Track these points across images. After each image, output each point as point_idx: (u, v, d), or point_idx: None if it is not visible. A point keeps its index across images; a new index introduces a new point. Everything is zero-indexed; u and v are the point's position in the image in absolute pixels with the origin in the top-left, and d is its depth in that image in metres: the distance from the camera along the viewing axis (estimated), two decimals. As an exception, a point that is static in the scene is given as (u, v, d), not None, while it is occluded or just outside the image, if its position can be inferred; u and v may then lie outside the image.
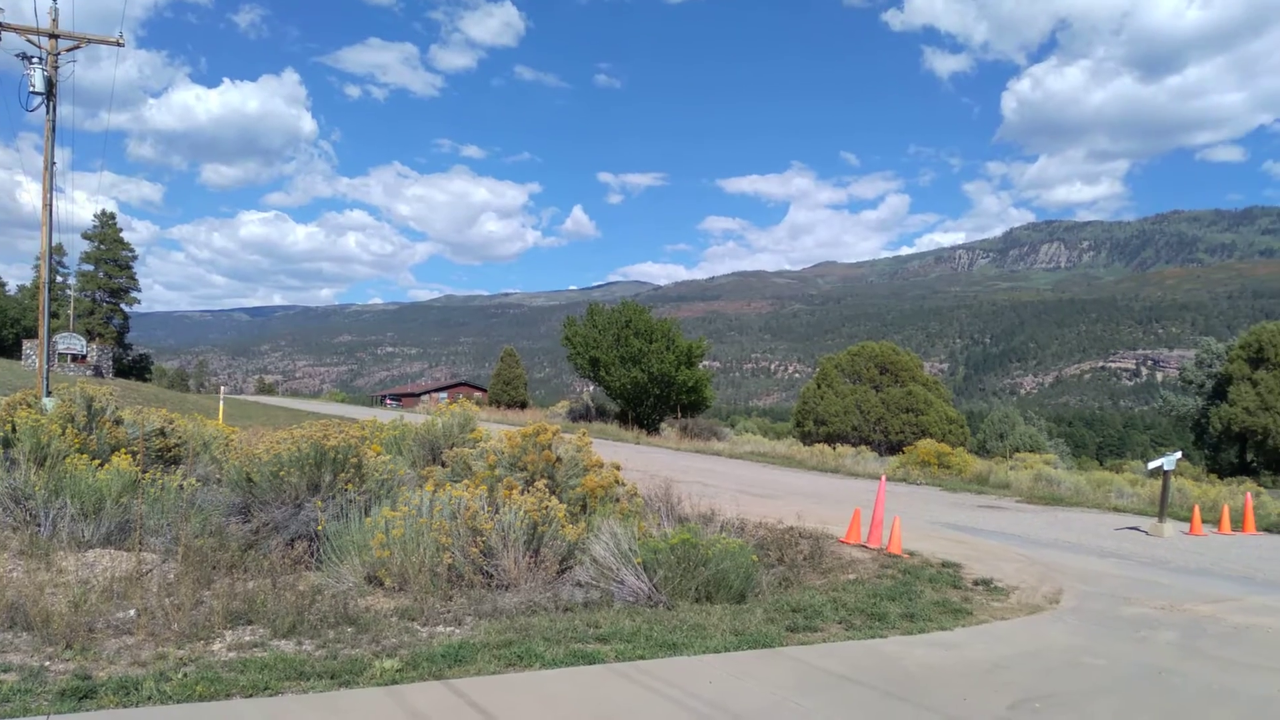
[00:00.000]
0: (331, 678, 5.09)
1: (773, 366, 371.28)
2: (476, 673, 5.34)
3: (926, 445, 26.37)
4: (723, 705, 5.02)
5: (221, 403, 34.60)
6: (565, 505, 8.27)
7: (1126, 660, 6.53)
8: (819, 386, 41.19)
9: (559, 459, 9.32)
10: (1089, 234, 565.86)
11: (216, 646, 5.60)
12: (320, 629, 6.02)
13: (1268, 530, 15.53)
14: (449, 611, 6.65)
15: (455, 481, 8.80)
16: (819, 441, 34.54)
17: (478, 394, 79.50)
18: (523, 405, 65.41)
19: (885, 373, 39.90)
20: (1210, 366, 40.32)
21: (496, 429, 13.23)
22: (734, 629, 6.57)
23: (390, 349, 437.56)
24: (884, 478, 13.67)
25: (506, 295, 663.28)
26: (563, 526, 7.88)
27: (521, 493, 8.10)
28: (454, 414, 13.27)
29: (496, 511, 7.86)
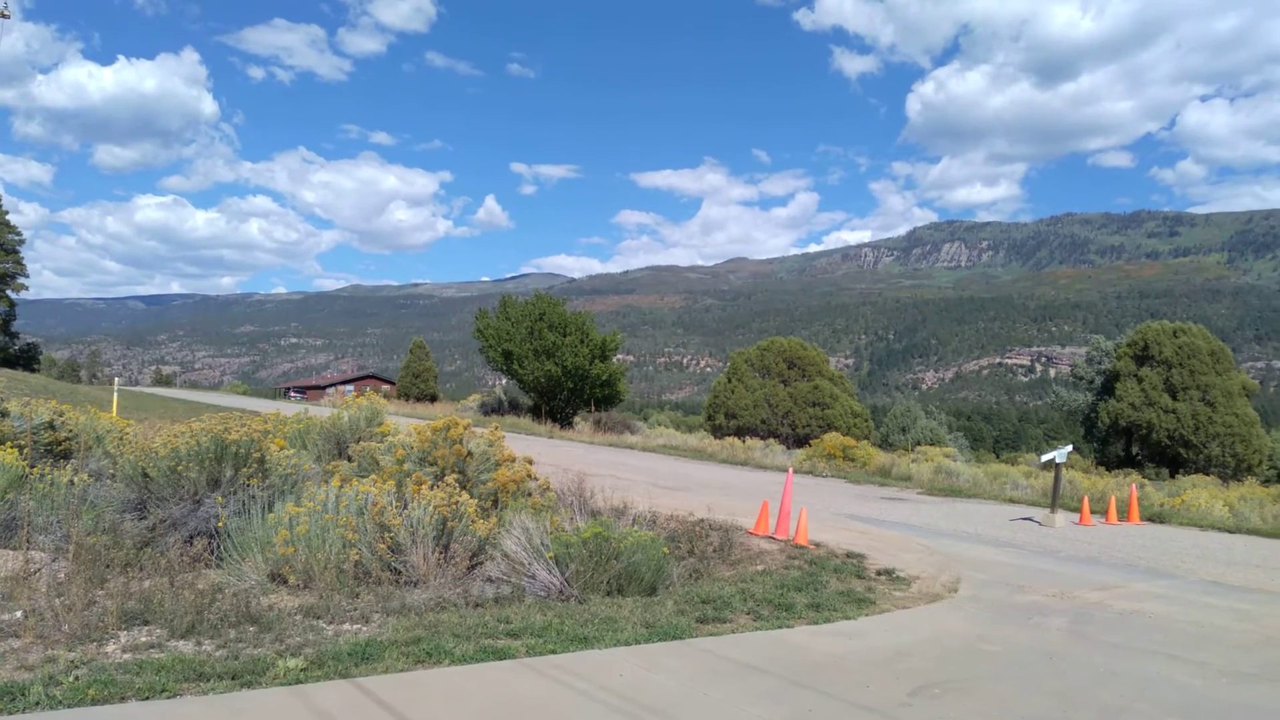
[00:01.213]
0: (233, 678, 4.95)
1: (685, 360, 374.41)
2: (384, 671, 5.26)
3: (832, 438, 26.99)
4: (633, 697, 5.07)
5: (115, 394, 33.13)
6: (476, 500, 8.20)
7: (1020, 646, 6.82)
8: (730, 381, 41.72)
9: (470, 453, 9.24)
10: (988, 234, 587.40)
11: (110, 648, 5.39)
12: (221, 628, 5.84)
13: (1150, 520, 16.35)
14: (356, 609, 6.54)
15: (362, 476, 8.65)
16: (729, 435, 34.98)
17: (385, 387, 78.09)
18: (433, 399, 64.47)
19: (793, 367, 40.65)
20: (1099, 363, 42.23)
21: (405, 423, 13.03)
22: (645, 621, 6.62)
23: (294, 340, 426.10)
24: (791, 470, 13.92)
25: (416, 286, 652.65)
26: (473, 522, 7.82)
27: (431, 488, 8.00)
28: (361, 407, 13.02)
29: (405, 507, 7.76)
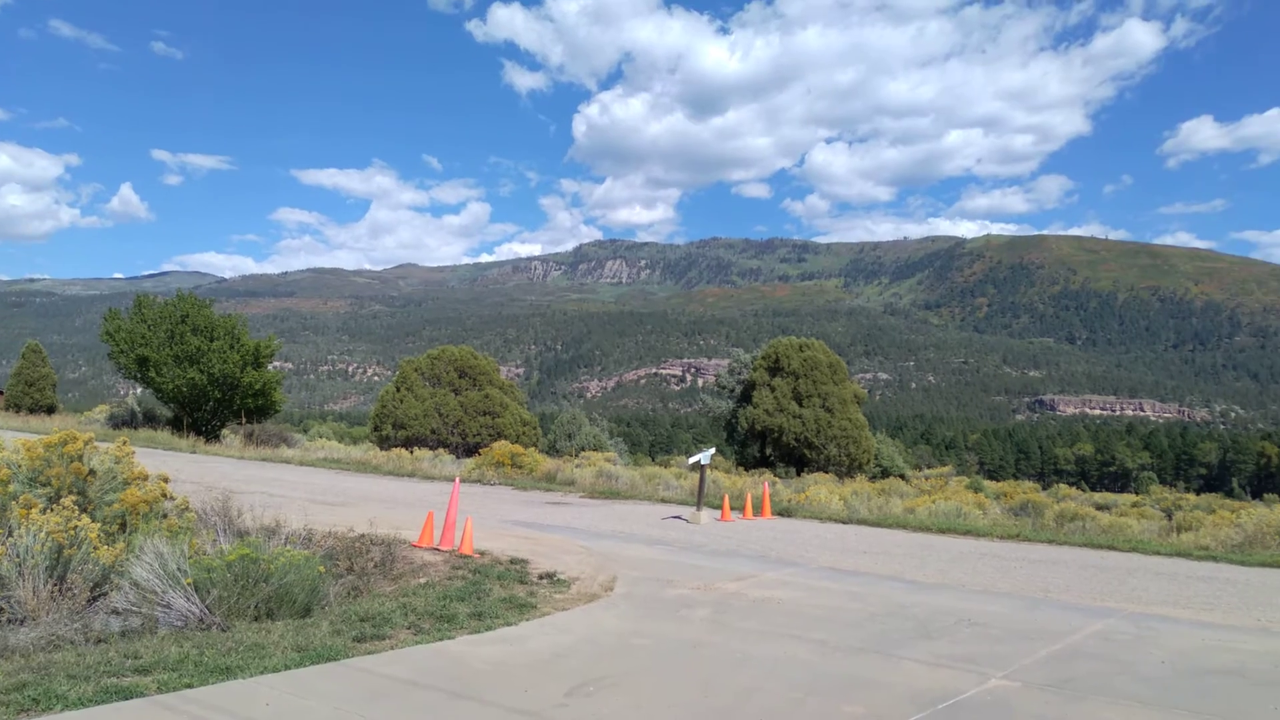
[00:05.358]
0: None
1: (351, 369, 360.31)
2: (-25, 727, 4.54)
3: (501, 446, 27.23)
4: (282, 726, 4.80)
5: None
6: (100, 524, 7.33)
7: (668, 638, 7.31)
8: (398, 390, 40.65)
9: (93, 472, 8.23)
10: (646, 254, 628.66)
11: None
12: None
13: (780, 514, 18.19)
14: (-61, 659, 5.57)
15: (-49, 502, 7.39)
16: (398, 446, 34.05)
17: (-13, 396, 67.23)
18: (50, 410, 56.31)
19: (464, 376, 40.50)
20: (739, 374, 46.34)
21: (13, 438, 11.28)
22: (296, 645, 6.28)
23: None
24: (458, 480, 13.87)
25: (32, 281, 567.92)
26: (96, 548, 6.98)
27: (44, 511, 7.03)
28: (-48, 421, 11.12)
29: (10, 535, 6.75)
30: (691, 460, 17.20)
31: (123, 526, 7.87)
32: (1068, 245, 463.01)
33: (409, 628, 7.10)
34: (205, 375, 36.48)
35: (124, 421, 39.64)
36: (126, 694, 5.14)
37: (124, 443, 8.79)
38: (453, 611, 7.60)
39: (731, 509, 17.16)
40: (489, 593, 8.47)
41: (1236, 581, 11.16)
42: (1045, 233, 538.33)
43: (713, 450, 17.62)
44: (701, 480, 16.79)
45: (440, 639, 6.86)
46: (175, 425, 37.08)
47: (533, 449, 30.90)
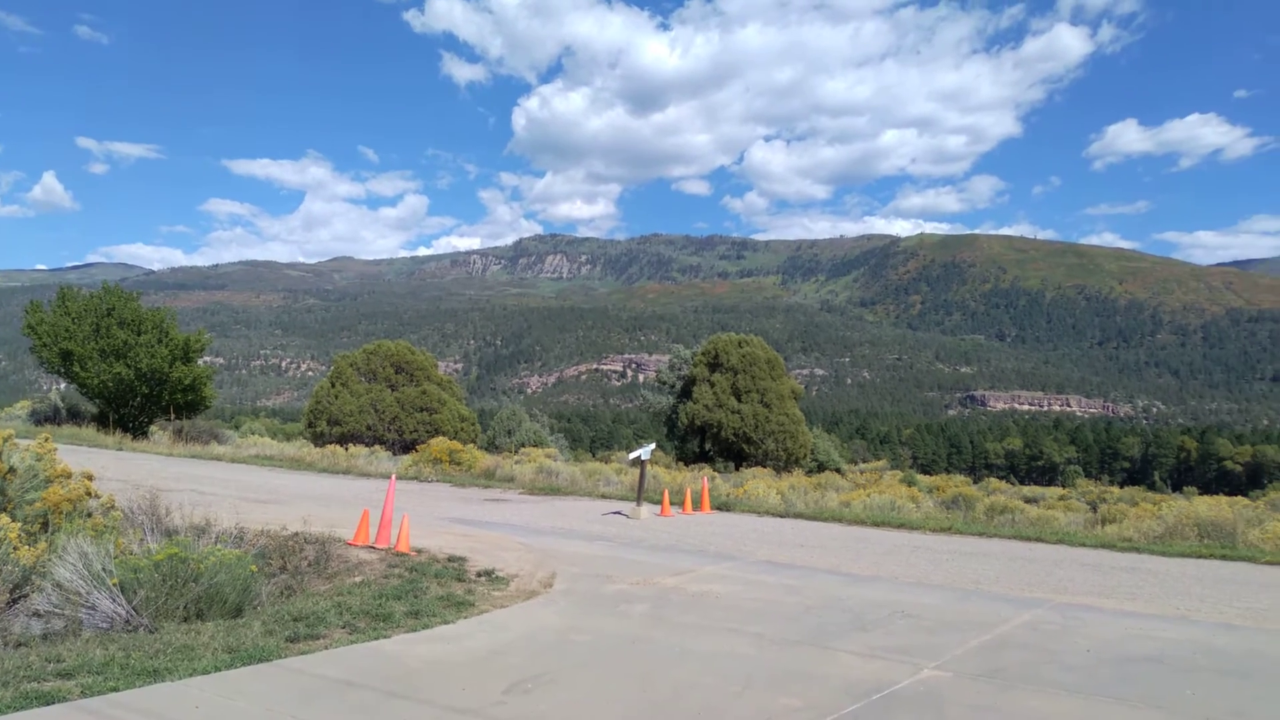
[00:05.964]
0: None
1: (284, 364, 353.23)
2: (-117, 738, 4.35)
3: (439, 443, 26.93)
4: (212, 730, 4.69)
5: None
6: (20, 524, 7.08)
7: (607, 633, 7.31)
8: (333, 385, 39.95)
9: (12, 469, 7.94)
10: (587, 249, 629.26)
11: None
12: None
13: (719, 509, 18.30)
14: None
15: None
16: (332, 442, 33.47)
17: (-103, 392, 64.51)
18: (-35, 405, 54.25)
19: (401, 372, 39.97)
20: (680, 370, 46.51)
21: (-77, 436, 10.84)
22: (227, 646, 6.14)
23: None
24: (394, 477, 13.69)
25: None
26: (15, 549, 6.74)
27: (-43, 512, 6.76)
28: None
29: (-80, 537, 6.47)
30: (632, 455, 17.22)
31: (45, 526, 7.62)
32: (998, 244, 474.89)
33: (344, 627, 6.99)
34: (132, 370, 35.44)
35: (47, 417, 38.31)
36: (48, 699, 4.98)
37: (46, 439, 8.49)
38: (389, 610, 7.50)
39: (671, 504, 17.22)
40: (426, 591, 8.37)
41: (1158, 572, 11.56)
42: (977, 232, 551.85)
43: (653, 445, 17.68)
44: (642, 475, 16.82)
45: (376, 638, 6.77)
46: (101, 421, 35.93)
47: (471, 445, 30.64)
